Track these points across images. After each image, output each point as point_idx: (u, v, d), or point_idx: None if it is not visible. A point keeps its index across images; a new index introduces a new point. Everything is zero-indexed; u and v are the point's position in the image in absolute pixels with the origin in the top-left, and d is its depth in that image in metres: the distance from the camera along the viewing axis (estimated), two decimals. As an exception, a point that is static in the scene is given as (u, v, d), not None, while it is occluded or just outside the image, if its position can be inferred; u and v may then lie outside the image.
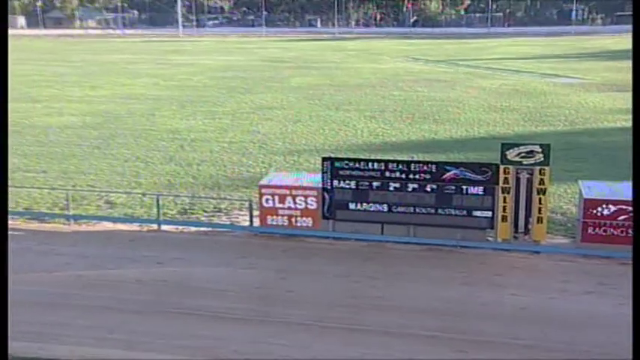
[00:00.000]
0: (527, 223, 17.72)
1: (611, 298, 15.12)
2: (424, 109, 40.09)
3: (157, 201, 20.34)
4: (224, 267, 17.22)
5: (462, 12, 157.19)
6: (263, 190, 19.17)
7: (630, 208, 16.60)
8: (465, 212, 17.84)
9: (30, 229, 20.19)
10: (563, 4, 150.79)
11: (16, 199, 22.66)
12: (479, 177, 17.66)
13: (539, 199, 17.47)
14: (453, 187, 17.79)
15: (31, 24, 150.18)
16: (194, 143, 31.62)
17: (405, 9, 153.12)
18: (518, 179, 17.48)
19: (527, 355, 12.98)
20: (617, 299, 14.81)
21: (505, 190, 17.52)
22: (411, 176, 17.98)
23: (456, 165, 18.26)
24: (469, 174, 17.72)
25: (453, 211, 17.90)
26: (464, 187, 17.74)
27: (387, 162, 18.32)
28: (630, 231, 16.65)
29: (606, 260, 17.11)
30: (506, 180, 17.46)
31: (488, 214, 17.77)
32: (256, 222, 19.54)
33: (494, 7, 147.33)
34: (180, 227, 20.19)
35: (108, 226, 20.43)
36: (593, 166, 26.13)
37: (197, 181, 25.14)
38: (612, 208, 17.22)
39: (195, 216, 21.29)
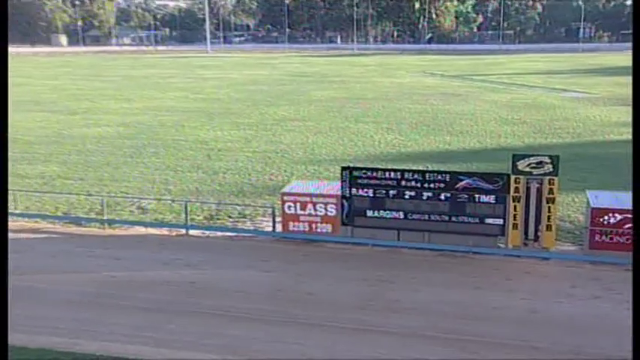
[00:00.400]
0: (536, 230, 17.53)
1: (617, 302, 14.91)
2: (439, 122, 39.93)
3: (186, 207, 20.39)
4: (248, 270, 17.20)
5: (475, 29, 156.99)
6: (285, 198, 19.16)
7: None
8: (477, 220, 17.70)
9: (68, 232, 20.35)
10: (571, 23, 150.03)
11: (55, 204, 22.90)
12: (491, 186, 17.52)
13: (549, 208, 17.29)
14: (466, 196, 17.66)
15: (71, 42, 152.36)
16: (220, 153, 31.72)
17: (420, 26, 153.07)
18: (528, 188, 17.32)
19: (536, 356, 12.81)
20: (623, 304, 14.60)
21: (516, 199, 17.36)
22: (425, 185, 17.88)
23: (468, 175, 18.11)
24: (481, 183, 17.58)
25: (465, 219, 17.76)
26: (476, 195, 17.60)
27: (403, 171, 18.23)
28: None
29: (612, 266, 16.88)
30: (516, 189, 17.30)
31: (500, 221, 17.60)
32: (279, 228, 19.52)
33: (506, 24, 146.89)
34: (207, 232, 20.22)
35: (140, 230, 20.52)
36: (599, 176, 25.83)
37: (223, 189, 25.19)
38: (618, 216, 17.03)
39: (220, 221, 21.31)
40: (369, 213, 18.34)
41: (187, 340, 13.48)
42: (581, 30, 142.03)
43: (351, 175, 18.38)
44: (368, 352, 13.00)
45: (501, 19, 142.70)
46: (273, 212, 19.91)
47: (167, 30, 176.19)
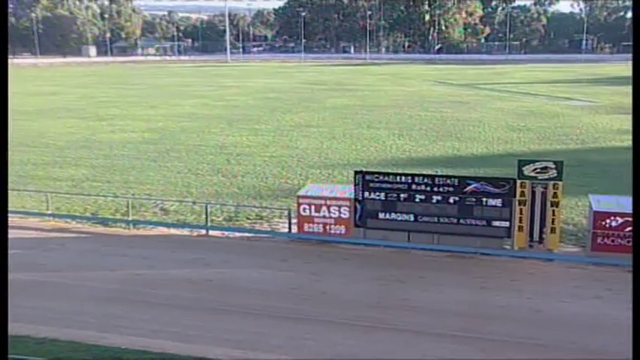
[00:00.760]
0: (541, 232, 17.43)
1: (619, 302, 14.75)
2: (448, 128, 39.79)
3: (206, 209, 20.45)
4: (265, 269, 17.21)
5: (483, 40, 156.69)
6: (301, 200, 19.16)
7: (637, 221, 16.25)
8: (484, 222, 17.60)
9: (95, 232, 20.48)
10: (574, 35, 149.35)
11: (84, 205, 23.05)
12: (497, 190, 17.43)
13: (553, 211, 17.19)
14: (474, 200, 17.58)
15: (100, 53, 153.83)
16: (239, 157, 31.79)
17: (430, 37, 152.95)
18: (533, 193, 17.23)
19: (541, 353, 12.72)
20: (624, 304, 14.41)
21: (521, 203, 17.27)
22: (435, 189, 17.82)
23: (476, 179, 18.03)
24: (488, 187, 17.50)
25: (473, 221, 17.67)
26: (484, 199, 17.52)
27: (413, 176, 18.20)
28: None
29: (614, 268, 16.74)
30: (522, 193, 17.22)
31: (506, 224, 17.51)
32: (294, 229, 19.52)
33: (512, 36, 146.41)
34: (226, 233, 20.25)
35: (162, 230, 20.60)
36: (602, 181, 25.61)
37: (241, 192, 25.23)
38: (620, 220, 16.90)
39: (239, 223, 21.34)
40: (381, 215, 18.30)
41: (209, 335, 13.50)
42: (584, 41, 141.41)
43: (363, 179, 18.36)
44: (378, 349, 12.96)
45: (507, 30, 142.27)
46: (289, 214, 19.92)
47: (189, 41, 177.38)
